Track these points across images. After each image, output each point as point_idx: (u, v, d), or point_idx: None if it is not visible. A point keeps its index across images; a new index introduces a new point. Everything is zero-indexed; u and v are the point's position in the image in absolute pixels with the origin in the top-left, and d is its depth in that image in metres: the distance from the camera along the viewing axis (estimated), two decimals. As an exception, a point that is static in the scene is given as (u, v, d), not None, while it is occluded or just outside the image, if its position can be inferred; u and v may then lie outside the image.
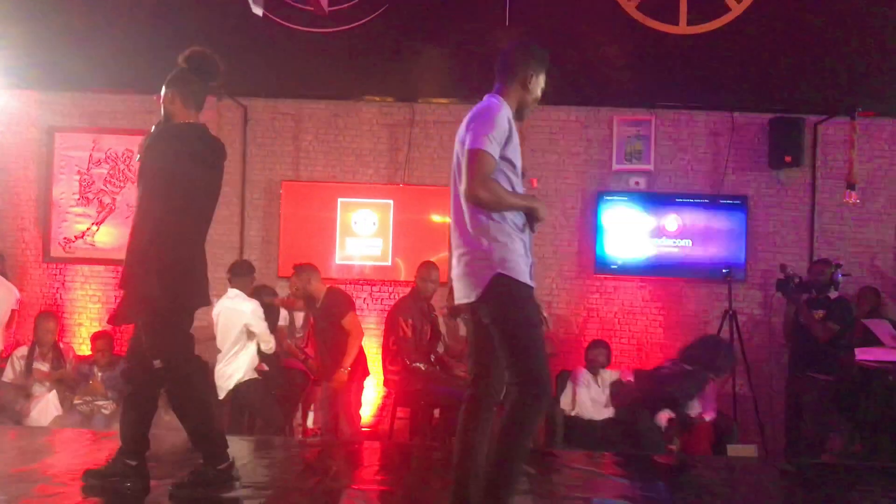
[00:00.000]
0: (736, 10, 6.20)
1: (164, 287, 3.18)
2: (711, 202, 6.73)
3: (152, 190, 3.23)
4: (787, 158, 6.64)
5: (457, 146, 2.98)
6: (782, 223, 6.77)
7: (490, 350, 2.92)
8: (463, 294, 2.93)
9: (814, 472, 4.56)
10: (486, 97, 3.07)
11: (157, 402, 3.48)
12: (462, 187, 2.86)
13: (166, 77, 3.43)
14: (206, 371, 3.54)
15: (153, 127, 3.46)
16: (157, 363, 3.24)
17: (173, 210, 3.22)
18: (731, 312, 6.28)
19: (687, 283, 6.74)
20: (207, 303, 3.51)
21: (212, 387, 3.45)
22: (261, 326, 5.59)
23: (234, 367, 5.55)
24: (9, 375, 6.01)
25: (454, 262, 2.99)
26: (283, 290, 6.57)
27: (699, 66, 6.35)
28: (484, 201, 2.84)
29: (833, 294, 5.86)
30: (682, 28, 6.31)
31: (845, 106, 6.35)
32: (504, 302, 2.84)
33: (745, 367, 6.24)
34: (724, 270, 6.48)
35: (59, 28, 6.24)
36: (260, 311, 5.64)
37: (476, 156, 2.83)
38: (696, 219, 6.71)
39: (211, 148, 3.42)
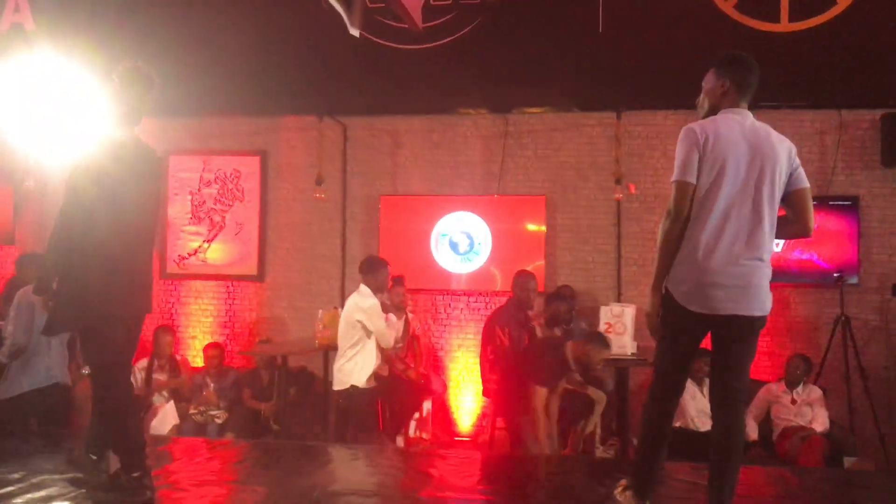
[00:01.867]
0: (842, 2, 5.98)
1: (92, 298, 3.29)
2: (820, 203, 6.43)
3: (79, 203, 3.31)
4: (903, 155, 6.30)
5: (778, 154, 2.98)
6: (899, 224, 6.42)
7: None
8: (741, 306, 2.95)
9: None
10: (766, 124, 3.07)
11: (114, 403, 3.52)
12: (810, 224, 3.06)
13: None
14: (127, 392, 3.57)
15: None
16: (84, 370, 3.41)
17: (100, 224, 3.29)
18: (843, 318, 6.00)
19: (795, 288, 6.48)
20: (144, 311, 3.55)
21: (127, 409, 3.51)
22: (377, 324, 5.51)
23: (351, 366, 5.49)
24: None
25: (741, 268, 2.93)
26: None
27: (803, 62, 6.13)
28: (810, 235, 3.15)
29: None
30: (784, 25, 6.13)
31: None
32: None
33: (862, 376, 5.94)
34: (835, 274, 6.20)
35: (171, 60, 6.61)
36: (377, 308, 5.56)
37: (810, 194, 3.09)
38: (804, 221, 6.43)
39: (140, 159, 3.49)
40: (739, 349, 3.05)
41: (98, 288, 3.30)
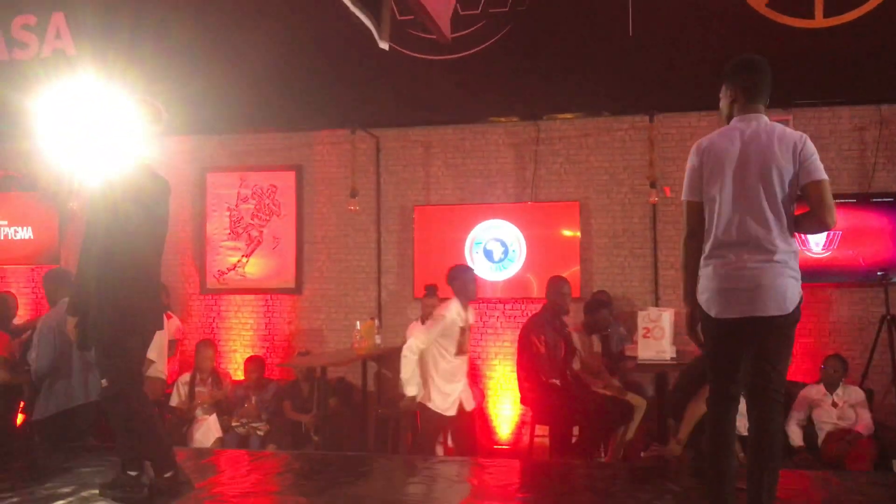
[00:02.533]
0: (879, -5, 5.87)
1: (111, 314, 3.54)
2: (861, 201, 6.32)
3: (97, 227, 3.59)
4: (947, 149, 6.15)
5: (776, 152, 3.02)
6: (944, 219, 6.26)
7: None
8: (753, 307, 3.00)
9: None
10: (775, 122, 3.14)
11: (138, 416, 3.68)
12: (826, 219, 3.02)
13: None
14: (145, 397, 3.76)
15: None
16: (103, 382, 3.59)
17: (117, 245, 3.56)
18: (888, 317, 5.87)
19: (838, 287, 6.35)
20: (157, 327, 3.85)
21: (150, 413, 3.69)
22: (422, 334, 5.39)
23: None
24: (174, 401, 6.48)
25: (748, 270, 3.01)
26: (419, 311, 6.74)
27: (839, 58, 6.03)
28: (832, 228, 3.15)
29: None
30: (819, 21, 6.05)
31: None
32: (797, 319, 3.10)
33: (910, 377, 5.80)
34: (879, 273, 6.07)
35: (206, 79, 6.78)
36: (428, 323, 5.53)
37: (826, 186, 3.03)
38: (846, 219, 6.31)
39: (155, 185, 3.77)
40: (765, 348, 3.06)
41: (124, 303, 3.56)
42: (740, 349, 3.08)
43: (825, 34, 5.98)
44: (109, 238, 3.56)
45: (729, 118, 3.20)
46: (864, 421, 5.51)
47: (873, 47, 5.89)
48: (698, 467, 4.14)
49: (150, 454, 3.65)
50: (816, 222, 3.08)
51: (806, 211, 3.07)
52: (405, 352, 5.24)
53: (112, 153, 3.73)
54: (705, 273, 3.10)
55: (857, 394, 5.66)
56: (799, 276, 3.09)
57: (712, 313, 3.07)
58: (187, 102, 6.93)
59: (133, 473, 3.65)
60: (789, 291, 3.02)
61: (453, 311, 5.32)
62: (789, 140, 3.03)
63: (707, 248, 3.10)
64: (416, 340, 5.30)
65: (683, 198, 3.20)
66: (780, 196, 3.01)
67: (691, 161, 3.16)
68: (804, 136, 3.05)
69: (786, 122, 6.49)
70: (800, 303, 3.07)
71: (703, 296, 3.10)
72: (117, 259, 3.56)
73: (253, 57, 6.79)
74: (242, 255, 7.46)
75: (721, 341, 3.11)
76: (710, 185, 3.08)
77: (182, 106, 6.92)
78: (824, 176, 3.02)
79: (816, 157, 3.03)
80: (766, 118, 3.11)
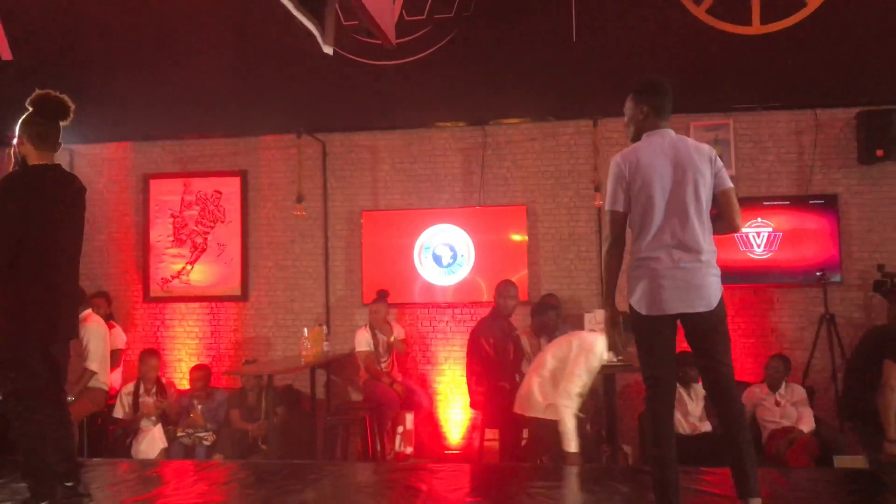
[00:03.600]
0: (812, 3, 6.06)
1: (11, 333, 3.36)
2: (799, 203, 6.50)
3: (3, 231, 3.37)
4: (879, 153, 6.35)
5: (696, 163, 3.28)
6: (877, 221, 6.46)
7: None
8: (687, 304, 3.21)
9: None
10: (681, 135, 3.42)
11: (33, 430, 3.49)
12: (736, 221, 3.35)
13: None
14: (56, 412, 3.56)
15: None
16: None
17: (23, 250, 3.36)
18: (827, 316, 6.05)
19: (778, 288, 6.51)
20: (68, 336, 3.61)
21: (60, 428, 3.55)
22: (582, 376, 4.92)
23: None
24: (118, 412, 6.33)
25: (681, 270, 3.21)
26: (367, 318, 6.70)
27: (776, 64, 6.21)
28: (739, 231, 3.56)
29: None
30: (756, 28, 6.21)
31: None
32: (724, 309, 3.33)
33: (848, 373, 5.97)
34: (817, 273, 6.25)
35: (149, 84, 6.65)
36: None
37: (734, 193, 3.37)
38: (784, 221, 6.49)
39: (65, 186, 3.55)
40: (703, 340, 3.29)
41: (15, 316, 3.35)
42: (671, 343, 3.32)
43: (762, 40, 6.14)
44: (7, 243, 3.34)
45: (638, 132, 3.44)
46: (805, 419, 5.65)
47: (808, 54, 6.07)
48: None
49: (30, 475, 3.44)
50: (728, 225, 3.37)
51: (714, 214, 3.36)
52: (565, 401, 4.73)
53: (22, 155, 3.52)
54: (637, 275, 3.30)
55: (799, 392, 5.81)
56: (719, 274, 3.32)
57: (644, 311, 3.26)
58: (129, 107, 6.82)
59: (68, 484, 3.54)
60: (713, 289, 3.27)
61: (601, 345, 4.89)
62: (704, 152, 3.33)
63: (638, 252, 3.30)
64: (574, 386, 4.79)
65: (608, 208, 3.35)
66: (703, 202, 3.28)
67: (617, 173, 3.32)
68: (712, 148, 3.39)
69: (726, 126, 6.71)
70: (721, 298, 3.30)
71: (636, 295, 3.30)
72: (21, 265, 3.35)
73: (197, 61, 6.69)
74: (187, 263, 7.32)
75: (655, 337, 3.30)
76: (639, 196, 3.26)
77: (124, 111, 6.82)
78: (732, 185, 3.38)
79: (724, 167, 3.39)
80: (672, 132, 3.39)
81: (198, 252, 7.32)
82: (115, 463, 5.18)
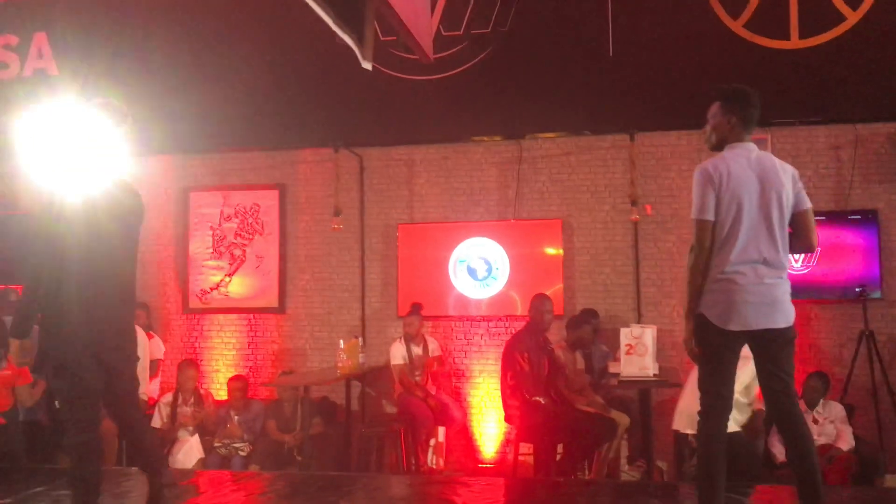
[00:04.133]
0: (852, 17, 5.99)
1: (67, 335, 3.38)
2: (838, 218, 6.42)
3: (53, 243, 3.42)
4: (920, 167, 6.27)
5: (781, 181, 3.30)
6: (920, 236, 6.36)
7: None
8: (770, 319, 3.25)
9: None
10: (769, 153, 3.47)
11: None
12: (813, 241, 3.40)
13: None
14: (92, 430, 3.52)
15: None
16: (56, 403, 3.56)
17: (77, 264, 3.38)
18: (867, 333, 5.95)
19: (816, 304, 6.42)
20: (124, 359, 3.56)
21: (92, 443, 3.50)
22: None
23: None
24: (156, 422, 6.43)
25: (763, 286, 3.25)
26: (402, 330, 6.74)
27: (815, 78, 6.13)
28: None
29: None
30: (794, 42, 6.15)
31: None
32: (796, 333, 3.36)
33: (889, 391, 5.87)
34: (857, 289, 6.15)
35: (190, 98, 6.78)
36: None
37: (812, 213, 3.42)
38: (824, 236, 6.39)
39: (120, 197, 3.61)
40: (781, 357, 3.31)
41: (73, 326, 3.37)
42: (737, 361, 3.33)
43: (801, 55, 6.09)
44: (44, 262, 3.38)
45: (721, 142, 3.41)
46: (844, 436, 5.55)
47: (847, 68, 6.00)
48: None
49: (72, 485, 3.47)
50: (806, 245, 3.41)
51: (790, 233, 3.36)
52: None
53: (92, 170, 3.58)
54: (719, 288, 3.26)
55: (837, 410, 5.71)
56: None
57: (724, 325, 3.23)
58: (170, 121, 6.95)
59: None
60: (790, 305, 3.32)
61: None
62: (788, 171, 3.35)
63: (722, 265, 3.26)
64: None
65: (698, 216, 3.29)
66: (785, 218, 3.31)
67: (708, 181, 3.27)
68: (795, 169, 3.39)
69: (764, 142, 6.66)
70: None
71: (715, 309, 3.25)
72: (63, 282, 3.37)
73: (236, 75, 6.81)
74: (225, 275, 7.43)
75: (726, 352, 3.29)
76: (728, 207, 3.24)
77: (165, 124, 6.95)
78: (811, 205, 3.40)
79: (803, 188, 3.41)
80: (756, 147, 3.39)
81: (236, 264, 7.43)
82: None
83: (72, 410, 3.42)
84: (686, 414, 5.00)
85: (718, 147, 3.42)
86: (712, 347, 3.30)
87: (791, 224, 3.35)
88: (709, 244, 3.28)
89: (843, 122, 6.47)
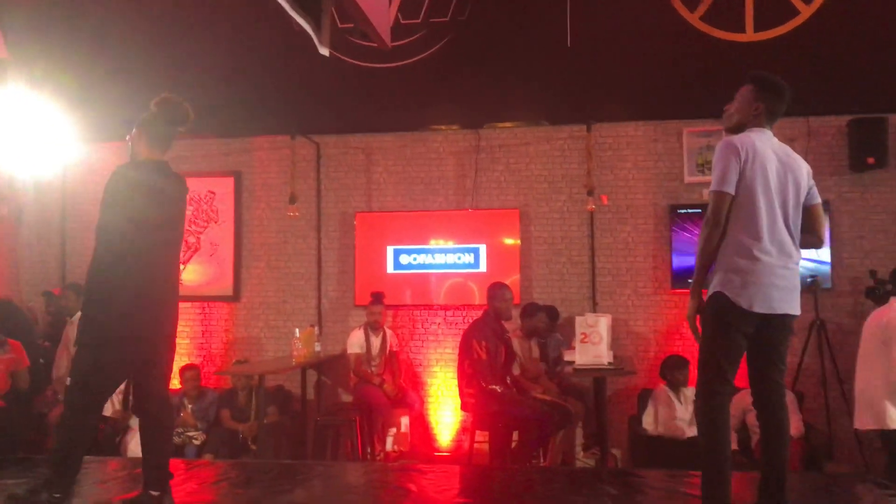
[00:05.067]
0: (805, 11, 6.09)
1: (91, 315, 3.36)
2: (791, 210, 6.52)
3: (100, 221, 3.42)
4: (870, 160, 6.42)
5: (800, 171, 3.29)
6: (868, 227, 6.51)
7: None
8: (790, 305, 3.22)
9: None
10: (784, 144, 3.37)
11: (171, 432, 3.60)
12: (823, 236, 3.44)
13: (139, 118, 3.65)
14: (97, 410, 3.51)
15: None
16: (67, 381, 3.37)
17: (118, 241, 3.36)
18: (818, 322, 6.07)
19: (769, 294, 6.52)
20: (144, 335, 3.44)
21: (88, 427, 3.45)
22: None
23: None
24: (108, 410, 6.30)
25: (787, 270, 3.20)
26: (360, 319, 6.72)
27: (769, 71, 6.19)
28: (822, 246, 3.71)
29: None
30: (749, 35, 6.24)
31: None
32: None
33: (838, 379, 6.00)
34: (808, 279, 6.27)
35: (143, 85, 6.61)
36: None
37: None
38: (775, 228, 6.51)
39: (169, 182, 3.60)
40: (784, 345, 3.31)
41: (101, 308, 3.33)
42: (747, 344, 3.25)
43: (756, 48, 6.18)
44: (120, 239, 3.35)
45: (741, 125, 3.31)
46: (794, 424, 5.66)
47: (801, 61, 6.10)
48: None
49: (50, 466, 3.43)
50: (815, 239, 3.42)
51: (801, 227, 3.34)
52: None
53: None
54: (746, 267, 3.14)
55: (788, 397, 5.82)
56: None
57: (750, 306, 3.13)
58: (124, 107, 6.77)
59: (154, 494, 3.51)
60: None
61: None
62: (804, 164, 3.35)
63: (748, 244, 3.14)
64: None
65: (718, 188, 3.15)
66: (800, 208, 3.28)
67: (732, 154, 3.14)
68: (809, 166, 3.38)
69: (719, 133, 6.73)
70: None
71: (739, 289, 3.13)
72: (125, 259, 3.33)
73: (192, 61, 6.67)
74: (179, 262, 7.29)
75: (738, 334, 3.19)
76: (751, 183, 3.13)
77: (117, 110, 6.78)
78: (821, 200, 3.39)
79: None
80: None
81: (190, 252, 7.31)
82: (104, 461, 5.16)
83: (83, 390, 3.34)
84: (868, 407, 4.94)
85: (736, 130, 3.30)
86: (727, 327, 3.17)
87: (802, 218, 3.29)
88: (723, 218, 3.15)
89: (796, 116, 6.58)
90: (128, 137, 3.66)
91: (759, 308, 3.13)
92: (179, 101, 3.62)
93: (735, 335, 3.19)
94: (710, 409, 3.22)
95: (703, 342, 3.26)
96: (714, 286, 3.19)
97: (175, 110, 3.62)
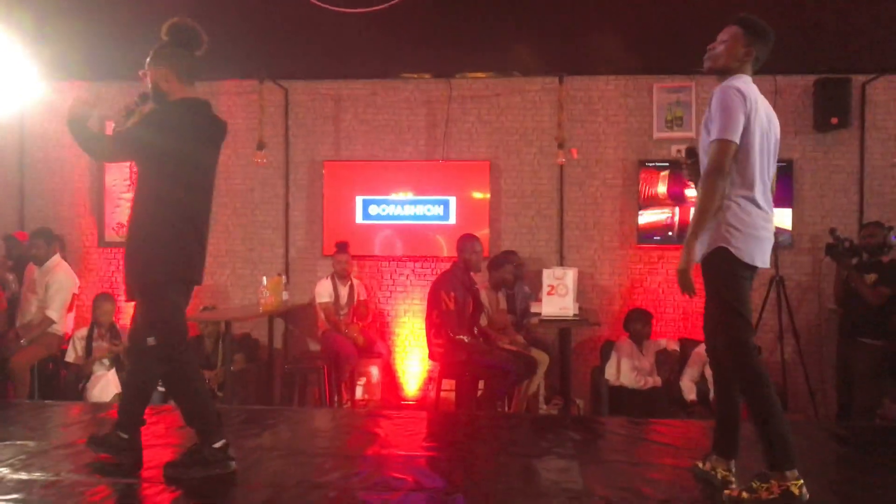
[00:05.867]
0: (775, -31, 6.08)
1: (155, 261, 3.20)
2: (756, 167, 6.61)
3: (152, 166, 3.24)
4: (834, 120, 6.51)
5: (778, 133, 3.17)
6: (829, 186, 6.64)
7: None
8: (769, 257, 3.13)
9: (867, 436, 4.49)
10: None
11: (156, 380, 3.54)
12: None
13: (151, 52, 3.39)
14: (191, 350, 3.48)
15: (139, 100, 3.46)
16: (150, 340, 3.21)
17: (172, 186, 3.22)
18: (777, 278, 6.21)
19: (732, 249, 6.64)
20: (199, 281, 3.43)
21: (197, 365, 3.44)
22: None
23: None
24: (71, 356, 6.26)
25: (772, 225, 3.14)
26: (328, 269, 6.71)
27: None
28: None
29: (885, 257, 5.73)
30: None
31: (897, 63, 6.18)
32: None
33: (794, 334, 6.17)
34: (770, 236, 6.38)
35: (106, 24, 6.42)
36: None
37: None
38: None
39: (214, 125, 3.43)
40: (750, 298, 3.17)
41: (166, 248, 3.21)
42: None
43: (724, 4, 6.06)
44: (160, 181, 3.19)
45: (727, 68, 3.11)
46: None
47: (770, 20, 6.07)
48: None
49: (193, 418, 3.32)
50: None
51: None
52: None
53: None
54: (751, 222, 3.04)
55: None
56: None
57: (752, 261, 3.04)
58: (85, 47, 6.59)
59: (124, 436, 3.41)
60: None
61: None
62: (776, 118, 3.19)
63: (750, 197, 3.04)
64: None
65: (726, 136, 2.96)
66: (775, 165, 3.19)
67: (741, 102, 2.97)
68: None
69: (688, 89, 6.77)
70: None
71: (743, 242, 3.02)
72: (170, 201, 3.20)
73: (157, 1, 6.47)
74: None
75: (748, 290, 3.10)
76: (751, 135, 3.00)
77: (79, 50, 6.59)
78: None
79: None
80: None
81: (155, 197, 7.18)
82: (68, 405, 5.14)
83: (168, 328, 3.24)
84: None
85: (720, 72, 3.12)
86: (741, 283, 3.04)
87: None
88: (728, 169, 2.99)
89: (764, 74, 6.57)
90: (141, 73, 3.40)
91: (759, 262, 3.06)
92: (189, 22, 3.38)
93: (745, 283, 3.06)
94: (753, 366, 3.00)
95: (715, 300, 3.12)
96: (713, 241, 3.05)
97: (190, 35, 3.37)
